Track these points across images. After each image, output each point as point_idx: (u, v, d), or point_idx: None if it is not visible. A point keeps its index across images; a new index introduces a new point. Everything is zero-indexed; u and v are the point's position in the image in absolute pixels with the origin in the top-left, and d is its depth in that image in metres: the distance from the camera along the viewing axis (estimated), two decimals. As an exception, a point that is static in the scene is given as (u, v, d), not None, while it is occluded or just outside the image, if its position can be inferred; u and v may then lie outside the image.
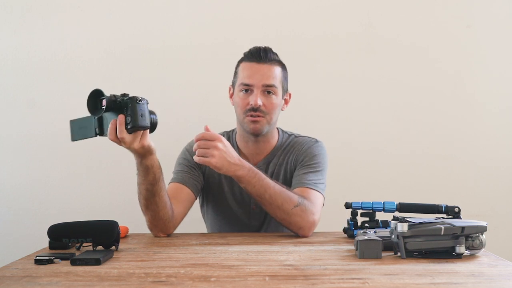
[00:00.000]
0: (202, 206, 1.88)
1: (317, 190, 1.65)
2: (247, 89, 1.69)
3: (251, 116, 1.68)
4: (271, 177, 1.70)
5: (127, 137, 1.40)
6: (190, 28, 2.37)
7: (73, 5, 2.36)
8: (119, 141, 1.42)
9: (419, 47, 2.37)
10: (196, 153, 1.50)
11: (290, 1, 2.37)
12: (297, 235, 1.59)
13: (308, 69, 2.34)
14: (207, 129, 1.52)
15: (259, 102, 1.66)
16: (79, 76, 2.36)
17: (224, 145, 1.50)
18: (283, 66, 1.75)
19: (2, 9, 2.36)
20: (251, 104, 1.67)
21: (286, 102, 1.79)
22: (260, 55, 1.68)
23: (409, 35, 2.37)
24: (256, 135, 1.72)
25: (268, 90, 1.68)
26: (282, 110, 1.77)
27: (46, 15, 2.36)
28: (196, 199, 1.77)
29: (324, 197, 1.68)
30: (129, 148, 1.44)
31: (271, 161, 1.77)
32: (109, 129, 1.41)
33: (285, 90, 1.76)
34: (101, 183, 2.35)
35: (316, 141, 1.78)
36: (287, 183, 1.73)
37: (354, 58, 2.37)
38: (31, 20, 2.36)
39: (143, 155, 1.48)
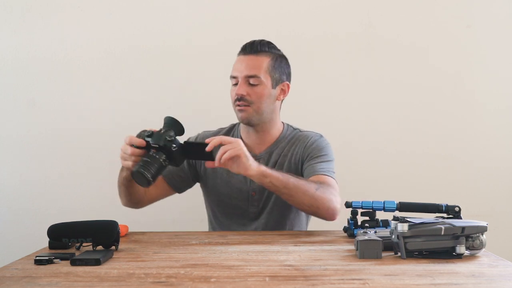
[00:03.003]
0: (203, 195, 1.91)
1: (330, 176, 1.70)
2: (235, 81, 1.76)
3: (238, 105, 1.74)
4: (274, 166, 1.77)
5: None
6: (190, 28, 2.37)
7: (73, 5, 2.36)
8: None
9: (419, 47, 2.37)
10: (226, 155, 1.47)
11: (290, 1, 2.37)
12: (298, 235, 1.60)
13: (308, 69, 2.34)
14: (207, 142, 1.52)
15: (241, 92, 1.72)
16: (79, 76, 2.36)
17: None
18: (276, 57, 1.78)
19: (2, 9, 2.36)
20: (237, 94, 1.73)
21: (283, 92, 1.82)
22: (246, 48, 1.76)
23: (409, 35, 2.37)
24: (247, 124, 1.77)
25: (250, 81, 1.74)
26: (278, 100, 1.81)
27: (46, 15, 2.36)
28: (174, 193, 1.85)
29: (337, 184, 1.72)
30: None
31: (274, 151, 1.81)
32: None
33: (278, 80, 1.78)
34: (101, 183, 2.35)
35: (321, 135, 1.84)
36: (291, 173, 1.76)
37: (354, 58, 2.37)
38: (31, 20, 2.36)
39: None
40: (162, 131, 1.46)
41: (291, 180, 1.58)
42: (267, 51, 1.77)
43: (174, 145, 1.44)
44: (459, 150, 2.38)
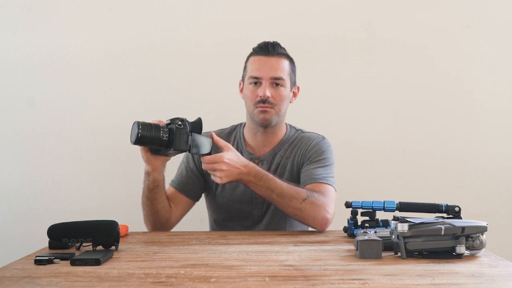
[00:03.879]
0: (206, 201, 1.90)
1: (327, 183, 1.69)
2: (256, 81, 1.74)
3: (260, 107, 1.73)
4: (277, 168, 1.78)
5: None
6: (191, 27, 2.37)
7: (73, 5, 2.35)
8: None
9: (419, 47, 2.37)
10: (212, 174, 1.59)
11: (290, 1, 2.37)
12: (291, 236, 1.60)
13: (308, 69, 2.32)
14: (212, 136, 1.60)
15: (267, 94, 1.71)
16: (79, 76, 2.36)
17: (229, 157, 1.56)
18: (290, 60, 1.80)
19: (2, 9, 2.35)
20: (260, 96, 1.72)
21: (294, 95, 1.84)
22: (268, 49, 1.74)
23: (409, 35, 2.37)
24: (265, 126, 1.76)
25: (276, 82, 1.73)
26: (290, 102, 1.82)
27: (46, 15, 2.36)
28: (194, 202, 1.85)
29: (335, 190, 1.71)
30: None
31: (277, 153, 1.81)
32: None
33: (293, 83, 1.81)
34: (101, 183, 2.35)
35: (323, 137, 1.84)
36: (294, 175, 1.77)
37: (354, 58, 2.37)
38: (31, 20, 2.35)
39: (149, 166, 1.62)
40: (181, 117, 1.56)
41: (276, 190, 1.60)
42: (284, 53, 1.78)
43: (180, 123, 1.51)
44: (459, 150, 2.38)
